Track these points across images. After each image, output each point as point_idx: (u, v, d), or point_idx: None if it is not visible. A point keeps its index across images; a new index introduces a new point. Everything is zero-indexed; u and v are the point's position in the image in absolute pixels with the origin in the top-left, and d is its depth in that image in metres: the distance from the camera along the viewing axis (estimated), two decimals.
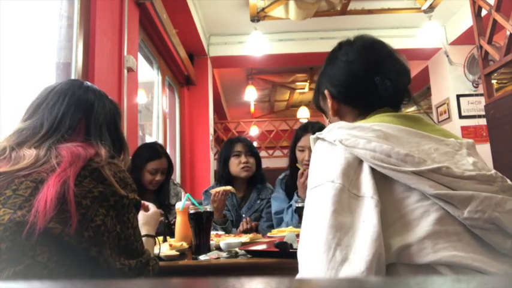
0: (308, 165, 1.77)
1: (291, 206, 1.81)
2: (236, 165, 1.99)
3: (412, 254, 0.56)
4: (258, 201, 2.04)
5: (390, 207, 0.59)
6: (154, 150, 1.97)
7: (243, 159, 1.98)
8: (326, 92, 0.85)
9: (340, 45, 0.88)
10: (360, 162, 0.62)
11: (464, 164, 0.65)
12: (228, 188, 1.75)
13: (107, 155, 0.77)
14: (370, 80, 0.78)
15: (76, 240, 0.63)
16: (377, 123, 0.68)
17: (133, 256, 0.73)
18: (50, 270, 0.61)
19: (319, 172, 0.64)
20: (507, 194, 0.62)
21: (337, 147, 0.64)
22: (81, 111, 0.82)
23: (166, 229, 1.77)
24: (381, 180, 0.61)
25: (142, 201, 1.13)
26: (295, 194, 1.80)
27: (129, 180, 0.77)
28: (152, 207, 1.17)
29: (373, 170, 0.61)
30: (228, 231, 1.81)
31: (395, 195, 0.61)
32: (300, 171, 1.77)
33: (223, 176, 2.06)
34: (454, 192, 0.58)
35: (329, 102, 0.84)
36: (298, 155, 1.83)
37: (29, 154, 0.70)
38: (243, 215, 2.02)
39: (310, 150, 1.76)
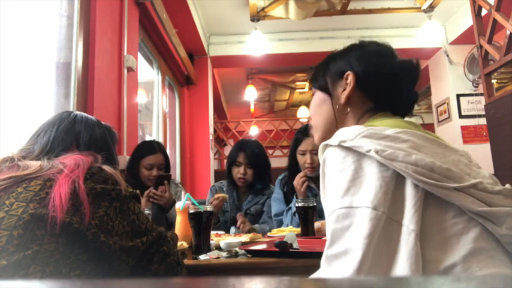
0: (310, 168, 1.78)
1: (290, 208, 1.81)
2: (235, 174, 2.09)
3: (460, 273, 0.54)
4: (260, 195, 2.12)
5: (429, 223, 0.57)
6: (150, 146, 2.00)
7: (241, 170, 2.07)
8: (351, 73, 0.78)
9: (369, 41, 0.84)
10: (397, 179, 0.58)
11: (485, 176, 0.64)
12: (225, 196, 1.90)
13: (102, 161, 0.84)
14: (402, 82, 0.77)
15: (85, 227, 0.69)
16: (397, 128, 0.64)
17: (145, 234, 0.78)
18: (56, 259, 0.66)
19: (351, 190, 0.57)
20: None
21: (369, 160, 0.58)
22: (70, 137, 0.90)
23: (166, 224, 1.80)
24: (421, 198, 0.58)
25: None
26: (294, 197, 1.80)
27: (122, 181, 0.83)
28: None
29: (415, 187, 0.57)
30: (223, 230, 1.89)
31: (434, 210, 0.58)
32: (302, 179, 1.76)
33: (228, 179, 2.15)
34: (495, 209, 0.57)
35: (349, 85, 0.77)
36: (300, 158, 1.83)
37: (34, 163, 0.78)
38: (244, 207, 2.09)
39: (311, 154, 1.77)
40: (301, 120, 6.28)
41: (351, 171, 0.59)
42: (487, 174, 0.65)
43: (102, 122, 1.00)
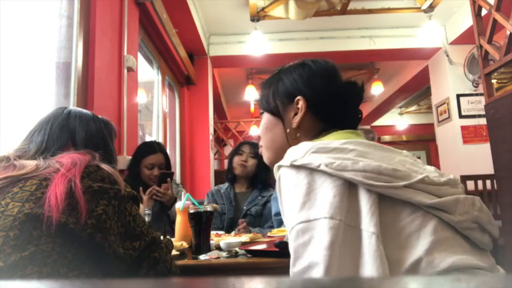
0: None
1: None
2: (236, 162, 2.16)
3: (425, 266, 0.56)
4: (260, 197, 2.12)
5: (388, 224, 0.59)
6: (150, 146, 2.02)
7: (243, 157, 2.14)
8: (301, 99, 0.79)
9: (313, 61, 0.85)
10: (350, 187, 0.59)
11: (431, 171, 0.67)
12: (216, 207, 1.92)
13: (100, 159, 0.82)
14: (348, 104, 0.81)
15: (81, 227, 0.68)
16: (342, 140, 0.66)
17: (139, 239, 0.77)
18: (54, 260, 0.65)
19: (307, 204, 0.59)
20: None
21: (320, 174, 0.60)
22: (65, 134, 0.88)
23: (167, 227, 1.80)
24: (375, 201, 0.60)
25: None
26: None
27: (120, 180, 0.81)
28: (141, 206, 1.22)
29: (368, 192, 0.59)
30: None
31: (390, 211, 0.60)
32: None
33: (228, 175, 2.20)
34: (444, 199, 0.61)
35: (301, 110, 0.79)
36: None
37: (30, 163, 0.76)
38: (245, 207, 2.09)
39: None
40: None
41: (304, 185, 0.60)
42: (433, 169, 0.68)
43: (99, 116, 0.97)
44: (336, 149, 0.63)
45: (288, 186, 0.63)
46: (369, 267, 0.54)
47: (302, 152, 0.63)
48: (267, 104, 0.86)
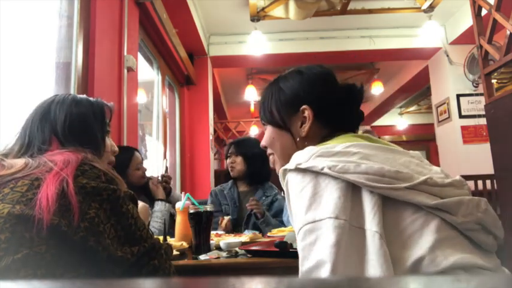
0: None
1: None
2: (228, 165, 2.22)
3: (427, 264, 0.57)
4: (264, 197, 2.12)
5: (391, 224, 0.60)
6: (125, 150, 1.91)
7: (231, 159, 2.19)
8: (308, 108, 0.80)
9: (308, 68, 0.87)
10: (353, 189, 0.61)
11: (436, 172, 0.68)
12: (228, 220, 1.95)
13: (93, 157, 0.79)
14: (351, 107, 0.83)
15: (73, 230, 0.66)
16: (346, 143, 0.68)
17: (137, 244, 0.74)
18: (48, 262, 0.63)
19: (313, 206, 0.60)
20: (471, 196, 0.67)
21: (324, 176, 0.62)
22: (47, 125, 0.83)
23: (168, 226, 1.79)
24: (378, 201, 0.61)
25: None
26: None
27: (118, 178, 0.79)
28: (140, 202, 1.23)
29: (370, 194, 0.60)
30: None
31: (392, 211, 0.61)
32: None
33: (230, 179, 2.24)
34: (447, 200, 0.61)
35: (309, 120, 0.80)
36: None
37: (19, 161, 0.74)
38: (249, 209, 2.07)
39: None
40: None
41: (310, 188, 0.62)
42: (439, 170, 0.69)
43: (90, 98, 0.91)
44: (340, 152, 0.65)
45: (295, 189, 0.65)
46: (373, 265, 0.55)
47: (307, 156, 0.65)
48: (270, 116, 0.86)
